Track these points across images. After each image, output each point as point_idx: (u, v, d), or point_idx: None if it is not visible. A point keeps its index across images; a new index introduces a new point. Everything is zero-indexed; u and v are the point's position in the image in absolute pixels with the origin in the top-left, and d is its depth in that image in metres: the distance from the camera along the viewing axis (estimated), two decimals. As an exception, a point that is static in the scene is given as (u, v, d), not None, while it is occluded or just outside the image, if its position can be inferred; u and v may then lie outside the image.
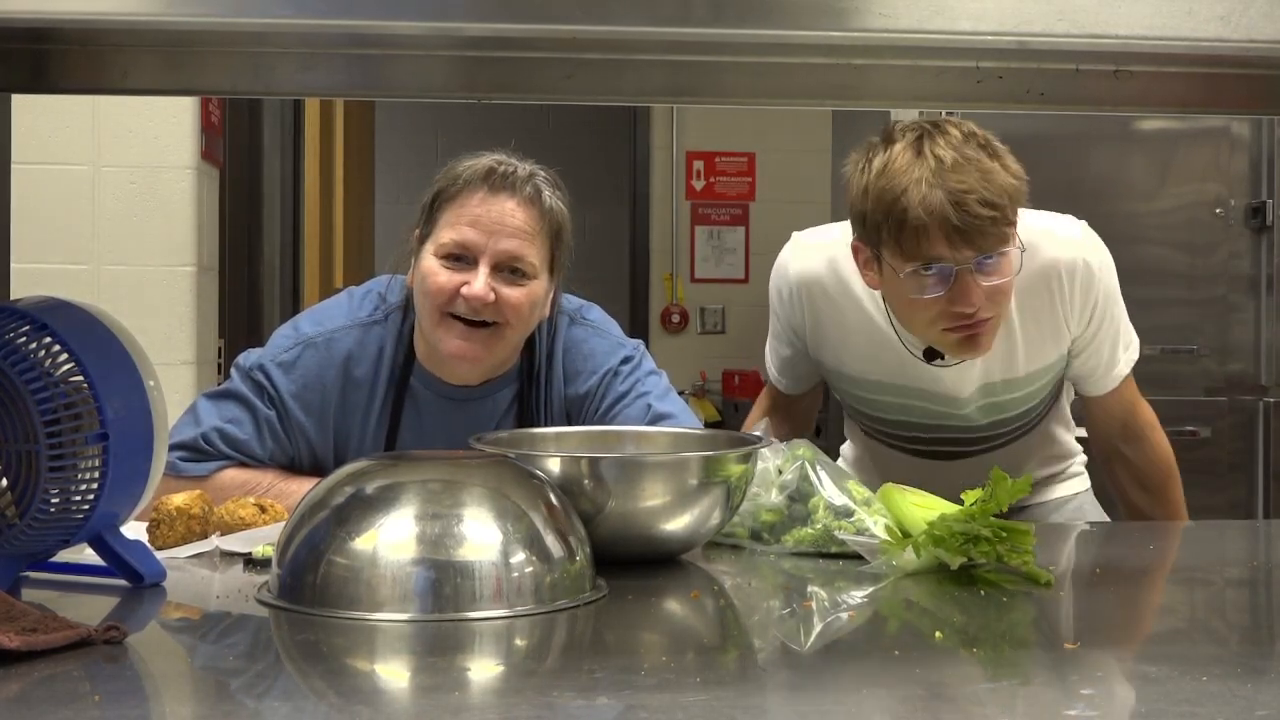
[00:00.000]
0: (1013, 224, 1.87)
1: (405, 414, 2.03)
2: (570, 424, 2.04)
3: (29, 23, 1.30)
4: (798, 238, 2.17)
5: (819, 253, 2.11)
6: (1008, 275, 1.89)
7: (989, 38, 1.09)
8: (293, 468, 2.04)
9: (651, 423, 1.99)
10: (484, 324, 1.93)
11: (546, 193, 1.95)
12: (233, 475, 1.97)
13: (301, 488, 1.88)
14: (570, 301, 2.11)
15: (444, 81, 1.51)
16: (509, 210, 1.92)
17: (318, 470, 2.03)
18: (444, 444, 2.00)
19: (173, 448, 1.88)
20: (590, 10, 1.08)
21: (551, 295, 2.01)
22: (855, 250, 1.97)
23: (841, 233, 2.06)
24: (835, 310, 2.09)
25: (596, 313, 2.13)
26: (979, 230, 1.81)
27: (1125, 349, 2.13)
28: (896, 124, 1.93)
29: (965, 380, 2.06)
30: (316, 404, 2.01)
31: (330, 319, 2.06)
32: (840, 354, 2.13)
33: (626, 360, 2.07)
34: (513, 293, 1.92)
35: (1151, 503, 2.18)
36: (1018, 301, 1.99)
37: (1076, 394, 2.23)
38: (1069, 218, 2.08)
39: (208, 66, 1.47)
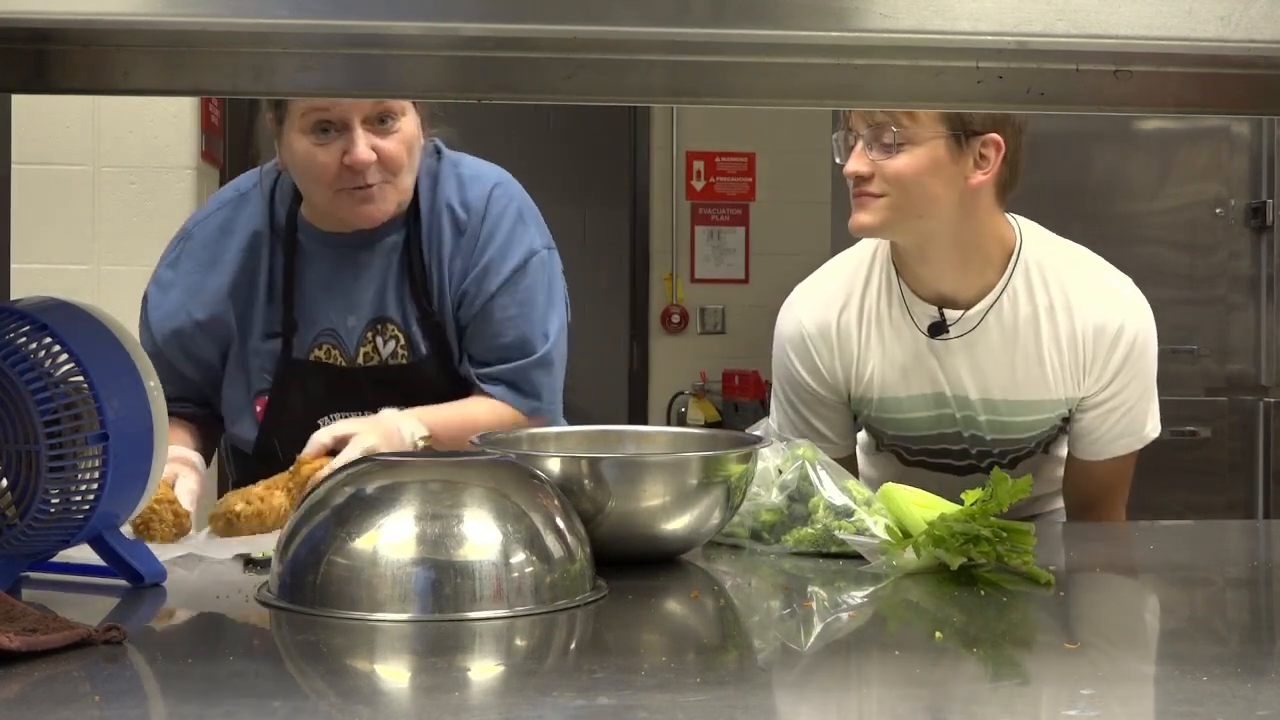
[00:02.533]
0: None
1: (298, 271, 2.08)
2: (456, 261, 2.07)
3: (29, 23, 1.30)
4: (792, 300, 2.18)
5: (823, 296, 2.13)
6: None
7: (989, 38, 1.09)
8: (194, 384, 2.10)
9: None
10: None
11: None
12: None
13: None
14: (451, 154, 2.15)
15: (444, 81, 1.51)
16: None
17: (224, 366, 2.08)
18: (341, 293, 2.06)
19: None
20: (590, 10, 1.08)
21: (420, 122, 2.04)
22: None
23: (833, 276, 2.12)
24: (860, 335, 2.10)
25: (474, 162, 2.17)
26: None
27: (1129, 434, 2.09)
28: None
29: (975, 374, 2.06)
30: (212, 285, 2.07)
31: (205, 208, 2.16)
32: (876, 377, 2.11)
33: (500, 188, 2.10)
34: (390, 143, 1.97)
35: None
36: (1049, 336, 2.01)
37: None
38: (1128, 282, 2.07)
39: (208, 66, 1.47)
